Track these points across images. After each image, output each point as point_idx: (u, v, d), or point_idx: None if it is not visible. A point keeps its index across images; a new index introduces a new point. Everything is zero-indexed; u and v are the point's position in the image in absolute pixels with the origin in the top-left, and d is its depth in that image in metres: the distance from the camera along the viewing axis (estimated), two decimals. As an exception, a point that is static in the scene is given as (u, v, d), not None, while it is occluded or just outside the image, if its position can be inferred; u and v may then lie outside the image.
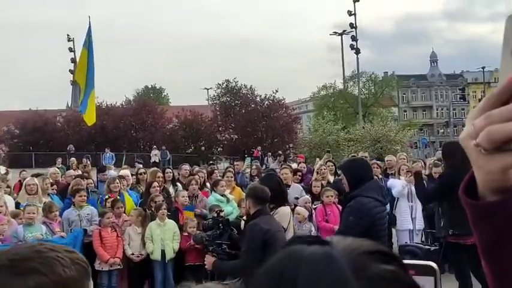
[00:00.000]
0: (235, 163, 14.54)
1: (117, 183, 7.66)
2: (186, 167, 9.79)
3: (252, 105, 39.19)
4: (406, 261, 0.70)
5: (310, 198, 7.67)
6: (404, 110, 69.55)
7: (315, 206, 7.62)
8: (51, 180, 8.21)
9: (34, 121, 35.70)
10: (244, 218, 5.24)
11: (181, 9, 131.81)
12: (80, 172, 11.69)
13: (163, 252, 6.73)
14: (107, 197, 7.41)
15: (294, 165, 11.00)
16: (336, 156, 23.55)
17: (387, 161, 9.81)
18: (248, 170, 11.29)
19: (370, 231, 3.89)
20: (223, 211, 4.83)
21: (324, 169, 8.90)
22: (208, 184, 8.84)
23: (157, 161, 28.87)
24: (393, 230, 8.31)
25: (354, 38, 38.81)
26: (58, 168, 12.57)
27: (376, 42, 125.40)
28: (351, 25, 38.79)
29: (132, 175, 9.25)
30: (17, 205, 7.03)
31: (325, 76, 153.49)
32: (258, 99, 39.47)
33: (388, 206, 6.18)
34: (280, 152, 22.45)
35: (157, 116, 38.57)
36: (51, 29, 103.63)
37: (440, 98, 71.84)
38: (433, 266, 0.79)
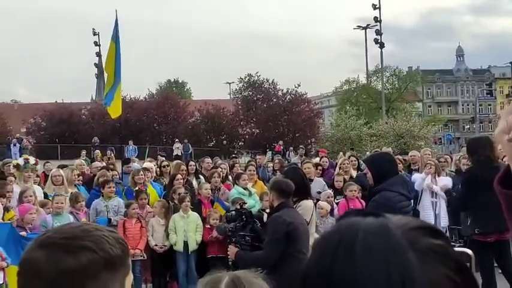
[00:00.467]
0: (257, 157, 14.57)
1: (142, 175, 7.78)
2: (208, 160, 9.86)
3: (274, 100, 39.14)
4: None
5: (332, 193, 7.64)
6: (428, 106, 68.49)
7: (337, 201, 7.60)
8: (78, 172, 8.37)
9: (60, 113, 36.38)
10: (267, 210, 5.27)
11: (205, 3, 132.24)
12: (104, 164, 11.89)
13: (186, 244, 6.81)
14: (136, 188, 7.53)
15: (316, 160, 10.96)
16: (358, 152, 23.41)
17: (411, 156, 9.70)
18: (270, 164, 11.29)
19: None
20: (246, 203, 4.85)
21: (347, 164, 8.85)
22: (230, 177, 8.89)
23: (179, 154, 29.09)
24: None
25: (378, 32, 38.33)
26: (83, 160, 12.79)
27: (400, 37, 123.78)
28: (375, 19, 38.31)
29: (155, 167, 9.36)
30: (45, 195, 7.19)
31: (348, 70, 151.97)
32: (280, 93, 39.41)
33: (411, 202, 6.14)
34: (302, 147, 22.34)
35: (179, 110, 38.86)
36: (77, 23, 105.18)
37: (466, 93, 70.50)
38: (468, 253, 0.81)
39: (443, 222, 7.72)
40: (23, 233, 5.62)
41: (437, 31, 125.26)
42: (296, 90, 38.63)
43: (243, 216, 4.18)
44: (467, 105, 69.06)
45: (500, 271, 5.81)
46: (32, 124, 37.46)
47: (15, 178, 7.33)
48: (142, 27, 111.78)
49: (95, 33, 38.45)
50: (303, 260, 4.12)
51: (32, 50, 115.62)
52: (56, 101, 40.99)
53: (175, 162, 9.64)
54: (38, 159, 8.23)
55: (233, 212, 4.36)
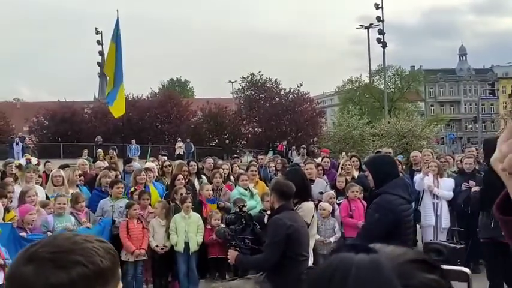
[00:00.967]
0: (258, 157, 14.56)
1: (144, 175, 7.77)
2: (210, 160, 9.84)
3: (277, 99, 39.13)
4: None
5: (334, 194, 7.63)
6: (431, 105, 68.36)
7: (339, 202, 7.59)
8: (80, 172, 8.37)
9: (63, 112, 36.41)
10: (268, 212, 5.26)
11: (208, 3, 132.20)
12: (107, 163, 11.89)
13: (187, 245, 6.80)
14: (132, 189, 7.52)
15: (318, 160, 10.94)
16: (360, 151, 23.33)
17: (413, 156, 9.69)
18: (272, 164, 11.27)
19: (396, 228, 3.85)
20: (245, 206, 4.83)
21: (349, 164, 8.83)
22: (232, 177, 8.88)
23: (181, 153, 29.12)
24: (418, 227, 8.25)
25: (380, 32, 38.24)
26: (85, 159, 12.80)
27: (403, 36, 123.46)
28: (378, 18, 38.22)
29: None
30: (46, 196, 7.19)
31: (351, 70, 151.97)
32: (282, 92, 39.40)
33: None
34: (304, 146, 22.32)
35: (182, 109, 38.87)
36: (80, 22, 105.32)
37: (468, 92, 70.34)
38: (466, 272, 0.80)
39: (445, 223, 7.71)
40: (23, 234, 5.63)
41: (440, 30, 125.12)
42: (298, 90, 38.65)
43: (243, 219, 4.17)
44: (470, 104, 68.89)
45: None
46: (34, 123, 37.52)
47: (18, 178, 7.34)
48: (145, 26, 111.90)
49: (97, 32, 38.47)
50: (303, 263, 4.11)
51: (35, 48, 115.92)
52: (58, 100, 41.02)
53: (177, 162, 9.63)
54: (39, 160, 8.22)
55: (232, 215, 4.35)
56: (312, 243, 5.10)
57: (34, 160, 7.66)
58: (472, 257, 7.45)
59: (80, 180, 8.22)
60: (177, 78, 75.13)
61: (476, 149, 11.05)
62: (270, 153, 25.08)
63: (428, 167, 8.13)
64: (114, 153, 15.75)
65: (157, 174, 9.01)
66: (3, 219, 5.78)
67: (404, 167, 10.06)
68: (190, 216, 6.89)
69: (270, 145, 34.13)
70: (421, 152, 9.83)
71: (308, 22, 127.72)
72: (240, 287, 1.29)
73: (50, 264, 0.98)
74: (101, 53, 38.35)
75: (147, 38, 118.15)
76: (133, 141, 26.84)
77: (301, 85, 38.69)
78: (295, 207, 4.60)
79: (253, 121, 39.02)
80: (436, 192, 7.78)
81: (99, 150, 18.06)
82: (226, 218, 4.56)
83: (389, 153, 10.45)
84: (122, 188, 7.17)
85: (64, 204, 6.29)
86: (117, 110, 9.83)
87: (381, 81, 45.95)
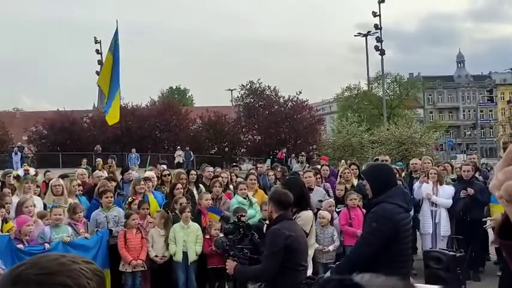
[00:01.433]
0: (258, 165, 14.53)
1: (143, 184, 7.75)
2: (209, 168, 9.82)
3: (276, 107, 39.13)
4: None
5: (334, 202, 7.62)
6: (430, 112, 68.53)
7: (339, 210, 7.57)
8: (78, 182, 8.34)
9: (61, 121, 36.35)
10: (267, 222, 5.24)
11: (206, 11, 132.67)
12: (105, 172, 11.86)
13: (185, 255, 6.77)
14: (130, 199, 7.49)
15: (318, 167, 10.91)
16: (360, 159, 23.34)
17: (412, 164, 9.68)
18: (272, 173, 11.25)
19: (394, 237, 3.84)
20: (244, 216, 4.80)
21: (348, 172, 8.82)
22: (231, 186, 8.86)
23: (181, 161, 29.11)
24: (418, 234, 8.24)
25: (378, 39, 38.36)
26: (84, 168, 12.77)
27: (401, 43, 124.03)
28: (376, 26, 38.35)
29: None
30: (44, 206, 7.16)
31: (349, 77, 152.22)
32: (281, 100, 39.40)
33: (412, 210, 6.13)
34: (303, 153, 22.30)
35: (181, 117, 38.84)
36: (80, 31, 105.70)
37: (467, 99, 70.57)
38: None
39: (443, 231, 7.69)
40: (20, 246, 5.61)
41: (438, 37, 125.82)
42: (297, 97, 38.69)
43: (241, 229, 4.15)
44: (469, 111, 69.08)
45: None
46: (33, 132, 37.45)
47: (16, 189, 7.32)
48: (144, 35, 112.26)
49: (96, 42, 38.56)
50: (302, 273, 4.10)
51: (34, 58, 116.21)
52: (57, 109, 41.00)
53: (176, 171, 9.62)
54: (38, 170, 8.20)
55: (230, 225, 4.33)
56: (311, 253, 5.09)
57: (32, 171, 7.62)
58: (471, 265, 7.44)
59: (79, 190, 8.19)
60: (176, 86, 75.30)
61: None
62: (268, 161, 25.05)
63: (424, 176, 8.16)
64: (113, 162, 15.69)
65: (156, 183, 9.00)
66: (1, 230, 5.76)
67: (403, 174, 10.05)
68: (189, 226, 6.86)
69: (269, 153, 34.10)
70: (420, 159, 9.83)
71: (307, 30, 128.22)
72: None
73: (36, 286, 0.96)
74: (100, 62, 38.38)
75: (146, 46, 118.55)
76: (134, 150, 26.82)
77: (300, 93, 38.75)
78: (294, 216, 4.59)
79: (253, 129, 38.99)
80: (434, 200, 7.77)
81: (98, 159, 18.01)
82: (225, 228, 4.54)
83: (386, 160, 10.44)
84: (111, 197, 7.14)
85: (60, 215, 6.24)
86: (112, 117, 9.81)
87: (379, 89, 46.05)
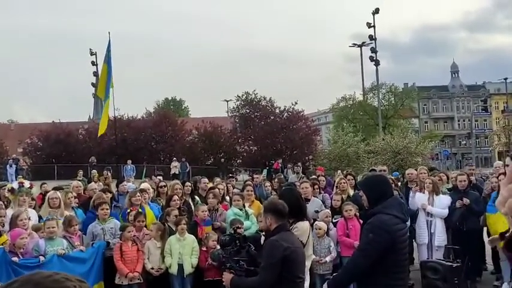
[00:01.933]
0: (254, 176, 14.52)
1: (139, 196, 7.72)
2: (205, 180, 9.81)
3: (272, 117, 39.19)
4: None
5: (330, 212, 7.61)
6: (425, 122, 68.83)
7: (335, 220, 7.56)
8: (74, 194, 8.30)
9: (57, 133, 36.27)
10: (263, 233, 5.22)
11: (201, 22, 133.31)
12: (101, 184, 11.82)
13: (181, 267, 6.72)
14: (129, 210, 7.46)
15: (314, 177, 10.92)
16: (356, 169, 23.33)
17: (408, 174, 9.70)
18: (268, 184, 11.25)
19: (391, 248, 3.84)
20: (240, 227, 4.77)
21: (344, 183, 8.83)
22: (227, 197, 8.84)
23: (177, 172, 29.04)
24: (414, 245, 8.23)
25: (373, 50, 38.63)
26: (79, 180, 12.72)
27: (395, 53, 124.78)
28: (370, 37, 38.64)
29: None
30: (40, 219, 7.11)
31: (345, 87, 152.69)
32: (277, 111, 39.49)
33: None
34: (299, 164, 22.30)
35: (177, 128, 38.84)
36: (75, 43, 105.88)
37: (462, 109, 70.95)
38: None
39: (438, 241, 7.67)
40: (15, 259, 5.56)
41: (432, 47, 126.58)
42: (293, 108, 38.79)
43: (237, 241, 4.13)
44: (463, 120, 69.44)
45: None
46: (28, 144, 37.32)
47: (10, 202, 7.27)
48: (139, 46, 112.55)
49: (92, 53, 38.62)
50: (299, 285, 4.07)
51: (30, 69, 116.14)
52: (53, 121, 40.91)
53: (172, 182, 9.60)
54: (32, 183, 8.16)
55: (227, 237, 4.31)
56: (308, 264, 5.07)
57: (27, 183, 7.60)
58: (468, 275, 7.42)
59: (74, 203, 8.15)
60: (171, 97, 75.39)
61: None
62: (265, 171, 25.04)
63: (416, 185, 8.19)
64: (109, 174, 15.66)
65: (152, 195, 8.96)
66: (-4, 243, 5.72)
67: (400, 184, 10.06)
68: (185, 238, 6.83)
69: (265, 163, 34.06)
70: (416, 169, 9.84)
71: (303, 41, 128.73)
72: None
73: None
74: (95, 74, 38.46)
75: (142, 57, 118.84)
76: (129, 161, 26.75)
77: (296, 103, 38.89)
78: (290, 227, 4.57)
79: (249, 139, 39.02)
80: (429, 210, 7.78)
81: (94, 171, 17.96)
82: (221, 239, 4.52)
83: (384, 171, 10.46)
84: (107, 209, 7.10)
85: (54, 227, 6.18)
86: (101, 128, 9.90)
87: (374, 99, 46.26)
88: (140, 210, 7.39)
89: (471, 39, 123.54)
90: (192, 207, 8.23)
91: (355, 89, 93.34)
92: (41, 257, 5.83)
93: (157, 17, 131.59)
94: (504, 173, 7.27)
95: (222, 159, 36.57)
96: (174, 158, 31.37)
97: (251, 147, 38.81)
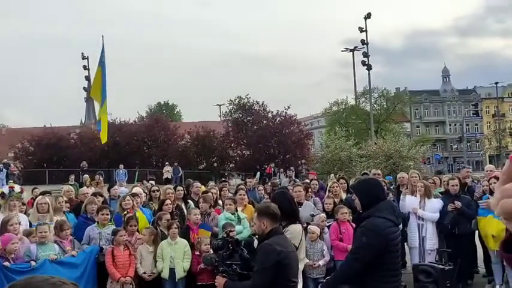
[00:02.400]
0: (247, 180, 14.52)
1: (129, 200, 7.68)
2: (197, 184, 9.79)
3: (264, 122, 39.23)
4: None
5: (325, 216, 7.61)
6: (417, 126, 69.20)
7: (328, 224, 7.56)
8: (65, 198, 8.24)
9: (48, 138, 36.06)
10: (256, 236, 5.21)
11: (194, 27, 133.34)
12: (93, 188, 11.76)
13: (173, 271, 6.69)
14: (125, 212, 7.42)
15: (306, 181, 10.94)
16: (348, 173, 23.38)
17: (399, 178, 9.74)
18: (261, 188, 11.25)
19: (384, 251, 3.85)
20: (233, 231, 4.75)
21: (336, 186, 8.84)
22: (220, 202, 8.82)
23: (169, 177, 28.95)
24: (406, 248, 8.24)
25: (365, 55, 38.83)
26: (71, 185, 12.65)
27: (387, 58, 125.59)
28: (362, 42, 38.84)
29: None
30: (30, 224, 7.06)
31: (337, 91, 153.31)
32: (270, 115, 39.54)
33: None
34: (292, 168, 22.33)
35: (169, 133, 38.76)
36: (67, 47, 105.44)
37: (453, 113, 71.43)
38: None
39: (429, 245, 7.69)
40: (7, 264, 5.51)
41: (424, 52, 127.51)
42: (286, 112, 38.87)
43: (230, 245, 4.11)
44: (455, 125, 69.89)
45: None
46: (19, 149, 37.06)
47: (1, 207, 7.20)
48: (131, 50, 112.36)
49: (83, 57, 38.54)
50: (292, 288, 4.06)
51: (21, 73, 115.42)
52: (44, 125, 40.70)
53: (164, 187, 9.58)
54: (24, 187, 8.10)
55: (219, 241, 4.29)
56: (301, 267, 5.06)
57: (17, 188, 7.54)
58: (460, 278, 7.46)
59: (66, 207, 8.10)
60: (164, 102, 75.30)
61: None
62: (258, 175, 25.06)
63: (406, 188, 8.22)
64: (101, 179, 15.58)
65: (144, 200, 8.93)
66: (-14, 248, 5.66)
67: (392, 187, 10.10)
68: (177, 242, 6.80)
69: (258, 168, 34.06)
70: (408, 172, 9.89)
71: (295, 45, 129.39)
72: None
73: None
74: (88, 78, 38.33)
75: (134, 61, 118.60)
76: (121, 166, 26.65)
77: (289, 107, 38.97)
78: (283, 230, 4.57)
79: (241, 144, 39.02)
80: (420, 213, 7.80)
81: (86, 175, 17.87)
82: (213, 243, 4.50)
83: (378, 174, 10.49)
84: (108, 214, 7.06)
85: (46, 232, 6.14)
86: (103, 135, 9.92)
87: (366, 103, 46.47)
88: (138, 211, 7.36)
89: (462, 44, 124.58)
90: (185, 211, 8.20)
91: (348, 94, 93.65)
92: (32, 261, 5.78)
93: (150, 21, 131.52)
94: (496, 177, 7.33)
95: (215, 164, 36.53)
96: (167, 163, 31.28)
97: (244, 152, 38.81)
